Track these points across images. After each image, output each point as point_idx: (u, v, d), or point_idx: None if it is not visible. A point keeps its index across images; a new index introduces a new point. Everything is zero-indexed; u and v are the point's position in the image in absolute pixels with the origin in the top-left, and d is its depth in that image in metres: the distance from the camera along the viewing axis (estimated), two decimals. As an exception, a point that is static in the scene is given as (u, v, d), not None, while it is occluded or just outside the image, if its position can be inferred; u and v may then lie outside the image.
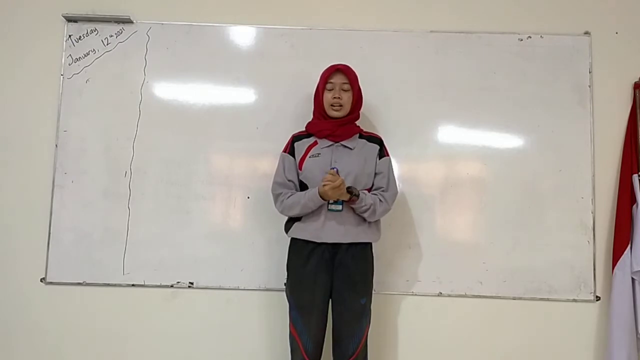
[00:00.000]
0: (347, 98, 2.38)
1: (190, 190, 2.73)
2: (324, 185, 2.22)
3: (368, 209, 2.28)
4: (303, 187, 2.37)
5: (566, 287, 2.68)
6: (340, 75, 2.38)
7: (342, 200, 2.29)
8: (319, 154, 2.36)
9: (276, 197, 2.39)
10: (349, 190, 2.24)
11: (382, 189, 2.37)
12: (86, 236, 2.71)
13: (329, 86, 2.38)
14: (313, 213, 2.32)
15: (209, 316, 2.71)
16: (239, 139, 2.76)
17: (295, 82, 2.73)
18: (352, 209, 2.31)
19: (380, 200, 2.33)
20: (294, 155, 2.40)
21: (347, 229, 2.31)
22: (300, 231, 2.34)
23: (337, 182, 2.20)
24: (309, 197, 2.28)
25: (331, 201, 2.30)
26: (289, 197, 2.34)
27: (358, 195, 2.25)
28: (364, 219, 2.34)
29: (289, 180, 2.38)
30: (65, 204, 2.73)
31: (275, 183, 2.40)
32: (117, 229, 2.71)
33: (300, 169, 2.37)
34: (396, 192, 2.42)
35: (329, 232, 2.30)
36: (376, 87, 2.68)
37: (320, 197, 2.25)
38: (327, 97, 2.38)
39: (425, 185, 2.73)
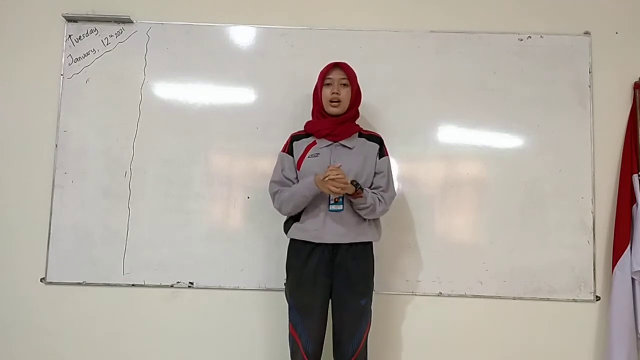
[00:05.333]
0: (345, 93, 2.37)
1: (190, 190, 2.73)
2: (326, 177, 2.18)
3: (367, 207, 2.27)
4: None
5: (566, 287, 2.68)
6: (339, 70, 2.38)
7: (343, 197, 2.28)
8: (318, 153, 2.35)
9: (273, 195, 2.38)
10: (353, 183, 2.22)
11: (381, 188, 2.36)
12: (86, 236, 2.72)
13: (327, 81, 2.37)
14: (313, 213, 2.31)
15: (209, 316, 2.71)
16: (239, 139, 2.75)
17: (295, 82, 2.73)
18: (352, 208, 2.30)
19: (379, 200, 2.32)
20: (292, 155, 2.40)
21: (347, 229, 2.30)
22: (300, 232, 2.33)
23: (343, 178, 2.17)
24: (304, 185, 2.26)
25: (332, 201, 2.29)
26: (284, 192, 2.33)
27: (362, 189, 2.24)
28: (364, 219, 2.33)
29: (287, 179, 2.37)
30: (65, 204, 2.73)
31: (272, 182, 2.40)
32: (117, 229, 2.71)
33: (299, 168, 2.37)
34: (395, 195, 2.42)
35: (329, 232, 2.29)
36: (376, 87, 2.68)
37: (317, 186, 2.22)
38: (326, 92, 2.36)
39: (425, 185, 2.73)
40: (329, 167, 2.23)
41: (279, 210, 2.38)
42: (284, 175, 2.37)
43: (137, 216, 2.72)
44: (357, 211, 2.30)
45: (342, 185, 2.18)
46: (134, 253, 2.71)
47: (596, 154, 2.73)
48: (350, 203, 2.30)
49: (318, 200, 2.30)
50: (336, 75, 2.37)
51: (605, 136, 2.74)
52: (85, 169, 2.75)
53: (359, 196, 2.24)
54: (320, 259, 2.30)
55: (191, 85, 2.78)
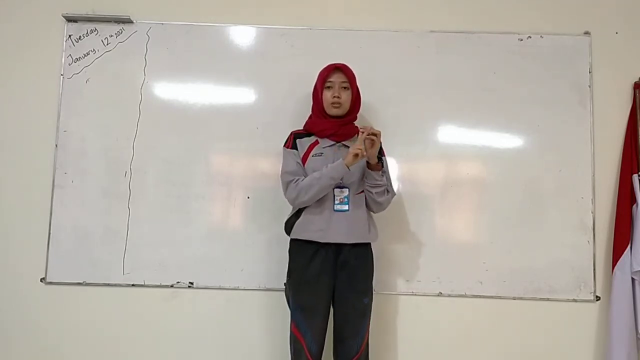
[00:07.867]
0: (346, 97, 2.38)
1: (190, 190, 2.73)
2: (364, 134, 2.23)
3: (382, 186, 2.31)
4: None
5: (566, 287, 2.68)
6: (339, 74, 2.38)
7: (349, 197, 2.30)
8: (322, 153, 2.35)
9: (288, 184, 2.33)
10: (377, 156, 2.29)
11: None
12: (86, 236, 2.71)
13: (328, 84, 2.38)
14: (318, 213, 2.30)
15: (209, 316, 2.71)
16: (239, 139, 2.75)
17: (295, 82, 2.73)
18: (357, 205, 2.32)
19: (387, 190, 2.35)
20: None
21: (351, 229, 2.31)
22: (304, 232, 2.32)
23: (376, 131, 2.24)
24: (333, 167, 2.26)
25: (337, 201, 2.30)
26: (304, 180, 2.30)
27: (383, 165, 2.31)
28: (366, 220, 2.34)
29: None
30: (65, 204, 2.73)
31: (286, 172, 2.36)
32: (117, 229, 2.71)
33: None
34: (394, 194, 2.44)
35: (334, 232, 2.29)
36: (376, 87, 2.68)
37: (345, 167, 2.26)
38: (327, 95, 2.37)
39: (425, 185, 2.73)
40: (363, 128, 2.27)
41: (294, 199, 2.32)
42: (297, 167, 2.35)
43: (137, 216, 2.72)
44: (370, 190, 2.32)
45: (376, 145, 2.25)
46: (134, 253, 2.70)
47: (596, 154, 2.73)
48: (364, 199, 2.33)
49: (323, 200, 2.31)
50: (337, 78, 2.37)
51: (605, 136, 2.74)
52: (85, 169, 2.75)
53: (378, 168, 2.30)
54: (324, 259, 2.30)
55: (191, 85, 2.78)
